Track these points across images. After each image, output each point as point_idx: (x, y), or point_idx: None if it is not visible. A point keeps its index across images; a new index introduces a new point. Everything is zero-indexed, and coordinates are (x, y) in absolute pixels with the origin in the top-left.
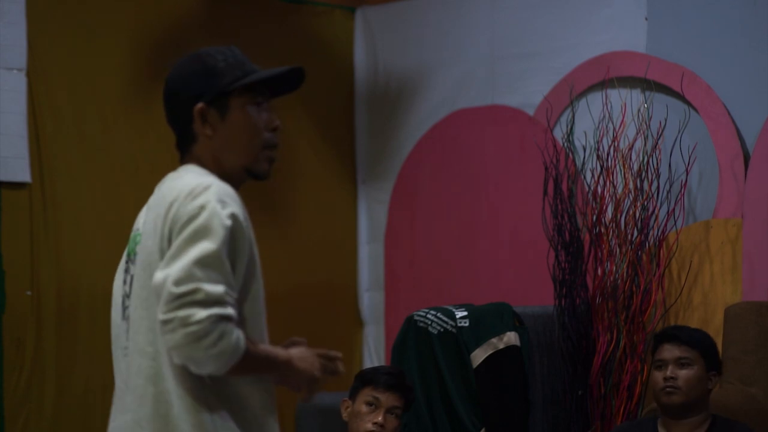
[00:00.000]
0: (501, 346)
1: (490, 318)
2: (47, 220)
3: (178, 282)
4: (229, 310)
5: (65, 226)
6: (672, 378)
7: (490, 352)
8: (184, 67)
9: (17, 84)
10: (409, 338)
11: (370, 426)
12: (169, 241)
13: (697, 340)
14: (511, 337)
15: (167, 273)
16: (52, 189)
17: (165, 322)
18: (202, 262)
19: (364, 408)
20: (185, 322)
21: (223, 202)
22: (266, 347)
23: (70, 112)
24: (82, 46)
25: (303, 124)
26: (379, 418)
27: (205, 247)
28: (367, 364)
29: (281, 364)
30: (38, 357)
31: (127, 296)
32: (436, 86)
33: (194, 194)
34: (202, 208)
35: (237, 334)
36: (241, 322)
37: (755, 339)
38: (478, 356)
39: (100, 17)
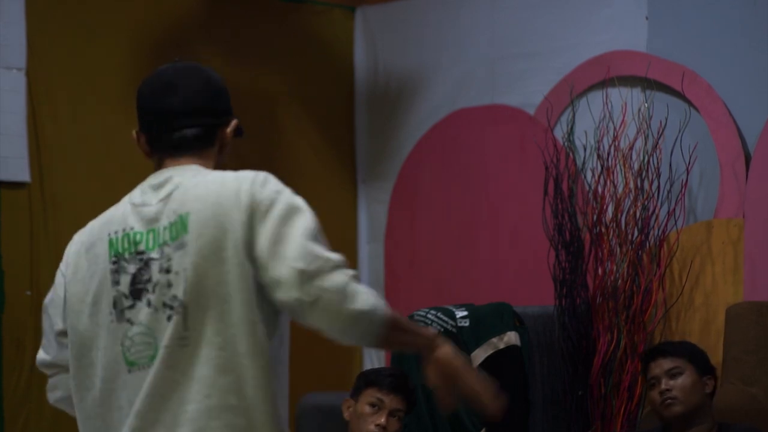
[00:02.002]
0: (501, 346)
1: (491, 318)
2: (47, 219)
3: (303, 260)
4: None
5: (65, 226)
6: (667, 390)
7: (491, 352)
8: (220, 78)
9: (17, 83)
10: None
11: (372, 428)
12: (250, 229)
13: (681, 349)
14: (512, 337)
15: (284, 258)
16: (51, 189)
17: (312, 303)
18: (311, 236)
19: (367, 409)
20: (334, 289)
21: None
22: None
23: (70, 112)
24: (81, 45)
25: (303, 124)
26: (382, 420)
27: (304, 223)
28: (367, 364)
29: (424, 340)
30: None
31: (125, 296)
32: (436, 86)
33: (260, 181)
34: (279, 192)
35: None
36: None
37: (756, 339)
38: (479, 356)
39: (100, 17)
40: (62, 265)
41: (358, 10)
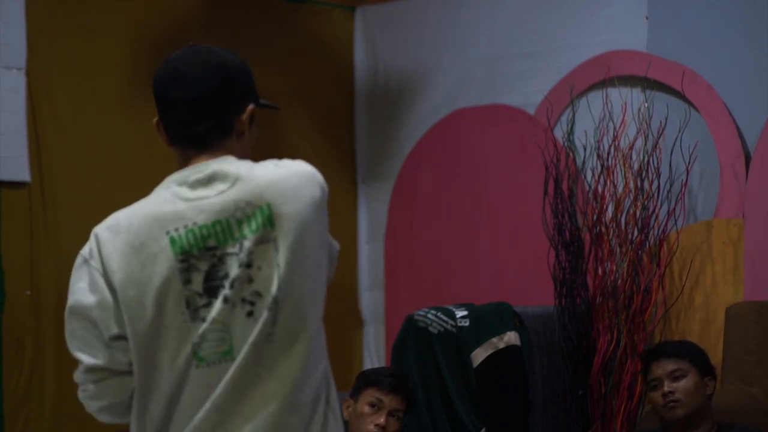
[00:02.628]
0: (501, 345)
1: (491, 318)
2: (47, 219)
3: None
4: None
5: (65, 226)
6: (670, 393)
7: (491, 351)
8: (237, 60)
9: (17, 83)
10: (409, 338)
11: (371, 428)
12: (321, 229)
13: (684, 350)
14: (512, 337)
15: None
16: (51, 188)
17: None
18: None
19: (366, 409)
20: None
21: None
22: None
23: (70, 112)
24: (81, 45)
25: (303, 124)
26: (381, 420)
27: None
28: (367, 364)
29: None
30: (38, 357)
31: (198, 294)
32: (436, 86)
33: (322, 182)
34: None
35: None
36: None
37: (756, 339)
38: (479, 356)
39: (100, 17)
40: (94, 263)
41: (358, 10)
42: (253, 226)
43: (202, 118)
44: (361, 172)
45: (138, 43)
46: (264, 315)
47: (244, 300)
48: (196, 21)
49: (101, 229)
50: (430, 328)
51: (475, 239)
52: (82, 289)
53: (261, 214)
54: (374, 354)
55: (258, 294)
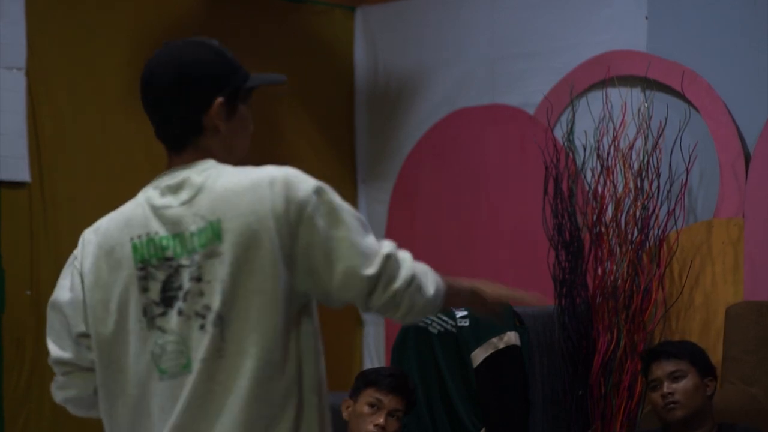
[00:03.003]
0: (501, 345)
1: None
2: (47, 219)
3: (368, 266)
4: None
5: (65, 226)
6: (670, 394)
7: (491, 351)
8: (200, 53)
9: (17, 83)
10: (409, 338)
11: (371, 428)
12: (289, 237)
13: (684, 351)
14: (512, 337)
15: (349, 268)
16: (51, 188)
17: (388, 303)
18: (359, 231)
19: (366, 409)
20: (407, 287)
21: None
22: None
23: (70, 112)
24: (82, 45)
25: (303, 123)
26: (381, 420)
27: (348, 219)
28: (367, 364)
29: (468, 292)
30: (38, 357)
31: (155, 303)
32: (436, 86)
33: (291, 183)
34: (311, 191)
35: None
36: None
37: (756, 339)
38: (478, 356)
39: (100, 17)
40: (76, 263)
41: (358, 9)
42: (203, 239)
43: (167, 118)
44: (361, 171)
45: (138, 42)
46: (211, 330)
47: (197, 314)
48: (196, 21)
49: (88, 231)
50: (430, 328)
51: (474, 239)
52: (64, 286)
53: (211, 229)
54: (374, 354)
55: (208, 308)
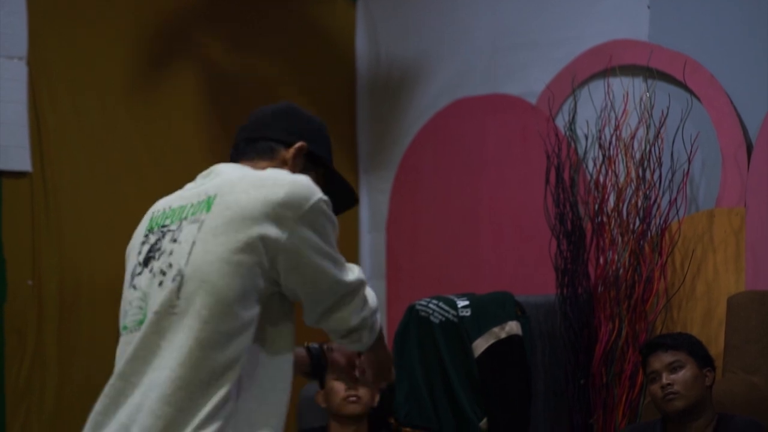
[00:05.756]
0: (503, 335)
1: (492, 307)
2: (48, 209)
3: (344, 310)
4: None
5: (66, 216)
6: (669, 385)
7: (492, 341)
8: (309, 115)
9: (18, 73)
10: (411, 328)
11: (343, 393)
12: (272, 249)
13: (681, 342)
14: (513, 327)
15: (327, 316)
16: (53, 178)
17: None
18: (333, 266)
19: (335, 384)
20: (367, 327)
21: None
22: None
23: (71, 102)
24: (83, 35)
25: None
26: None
27: (324, 257)
28: None
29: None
30: (39, 347)
31: (138, 263)
32: (437, 75)
33: (292, 202)
34: (302, 220)
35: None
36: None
37: (758, 328)
38: (480, 345)
39: (102, 6)
40: None
41: None
42: (195, 210)
43: (247, 137)
44: (363, 161)
45: (140, 32)
46: (169, 285)
47: (161, 271)
48: (198, 11)
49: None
50: (432, 318)
51: (476, 229)
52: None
53: (207, 202)
54: None
55: (170, 265)
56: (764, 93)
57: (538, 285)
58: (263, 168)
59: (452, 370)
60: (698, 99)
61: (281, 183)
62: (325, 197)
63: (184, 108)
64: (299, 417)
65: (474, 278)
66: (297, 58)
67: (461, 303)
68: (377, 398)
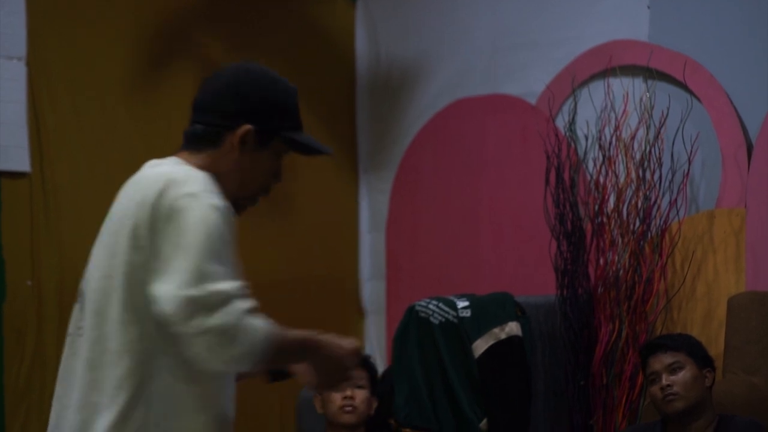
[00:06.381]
0: (503, 336)
1: (492, 308)
2: (47, 209)
3: (192, 286)
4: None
5: (65, 216)
6: (668, 386)
7: (492, 342)
8: (260, 81)
9: (17, 73)
10: (411, 328)
11: (339, 401)
12: (150, 233)
13: (680, 343)
14: (513, 327)
15: (173, 277)
16: (52, 179)
17: (194, 336)
18: (209, 254)
19: (331, 392)
20: (219, 329)
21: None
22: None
23: (70, 102)
24: (83, 35)
25: (304, 113)
26: (348, 392)
27: (206, 236)
28: (369, 354)
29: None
30: (39, 347)
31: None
32: (437, 75)
33: (176, 182)
34: (186, 196)
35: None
36: None
37: (758, 329)
38: (480, 346)
39: (101, 6)
40: None
41: None
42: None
43: (197, 121)
44: (363, 161)
45: (139, 31)
46: (76, 307)
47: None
48: (198, 11)
49: None
50: (432, 319)
51: (476, 229)
52: None
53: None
54: (375, 344)
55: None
56: (764, 93)
57: (538, 285)
58: (211, 159)
59: (452, 371)
60: (698, 99)
61: (160, 185)
62: (194, 191)
63: (184, 108)
64: (299, 418)
65: (474, 279)
66: (297, 58)
67: (461, 304)
68: (374, 405)
